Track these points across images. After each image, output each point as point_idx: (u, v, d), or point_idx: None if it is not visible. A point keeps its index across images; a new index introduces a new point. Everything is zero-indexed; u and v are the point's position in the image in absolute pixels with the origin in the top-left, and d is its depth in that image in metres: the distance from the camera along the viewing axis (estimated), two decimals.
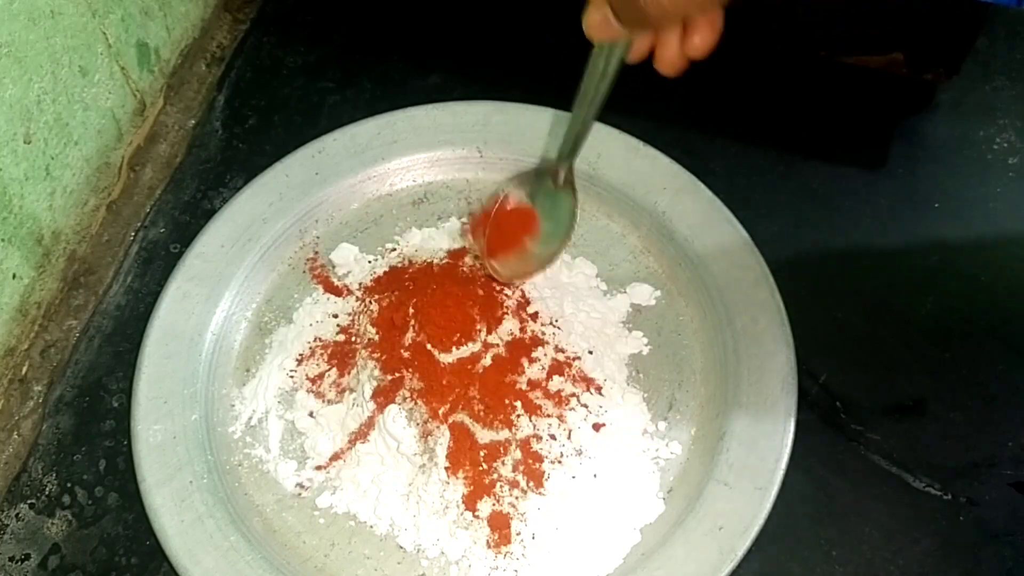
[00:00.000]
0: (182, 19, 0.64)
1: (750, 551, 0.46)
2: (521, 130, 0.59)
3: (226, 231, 0.56)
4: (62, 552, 0.50)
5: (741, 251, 0.53)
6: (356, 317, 0.54)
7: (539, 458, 0.49)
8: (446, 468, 0.48)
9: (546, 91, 0.59)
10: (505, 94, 0.60)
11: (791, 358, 0.50)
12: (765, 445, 0.47)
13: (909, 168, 0.60)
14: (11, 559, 0.50)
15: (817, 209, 0.58)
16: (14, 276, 0.52)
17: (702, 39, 0.40)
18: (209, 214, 0.58)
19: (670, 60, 0.41)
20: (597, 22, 0.39)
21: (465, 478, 0.48)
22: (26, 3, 0.49)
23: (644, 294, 0.55)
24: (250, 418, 0.52)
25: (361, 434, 0.50)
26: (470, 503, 0.48)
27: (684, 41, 0.41)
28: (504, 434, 0.49)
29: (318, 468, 0.50)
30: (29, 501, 0.51)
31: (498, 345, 0.51)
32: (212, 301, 0.54)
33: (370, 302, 0.54)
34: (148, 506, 0.48)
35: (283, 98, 0.65)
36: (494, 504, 0.48)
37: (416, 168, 0.60)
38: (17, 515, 0.51)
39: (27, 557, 0.50)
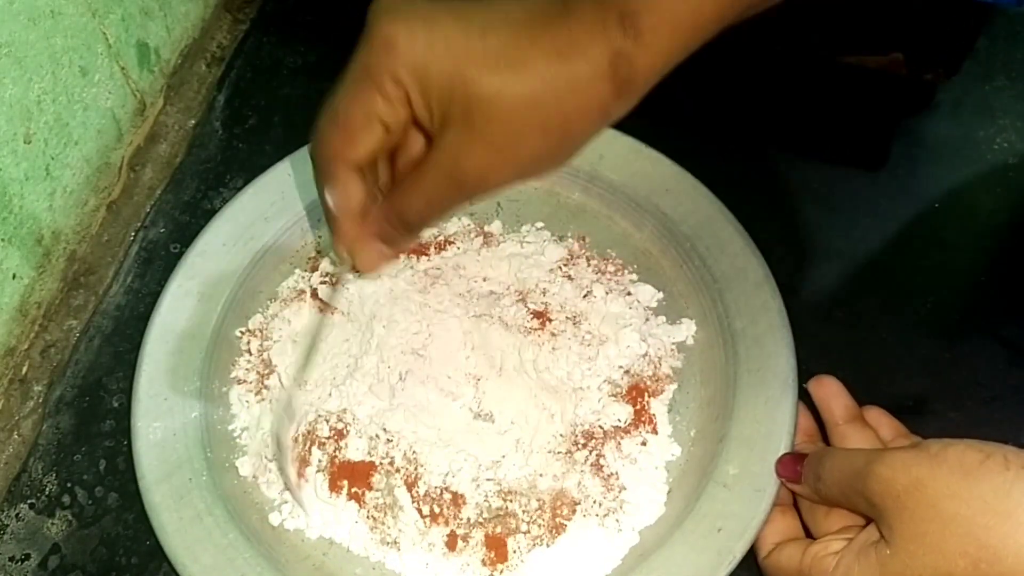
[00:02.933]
0: (182, 19, 0.64)
1: (749, 553, 0.45)
2: None
3: (228, 229, 0.56)
4: (62, 552, 0.50)
5: (742, 253, 0.53)
6: None
7: None
8: (418, 511, 0.48)
9: None
10: None
11: (792, 360, 0.49)
12: (765, 447, 0.47)
13: (909, 168, 0.60)
14: (11, 559, 0.50)
15: (817, 209, 0.58)
16: (14, 276, 0.52)
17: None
18: (209, 214, 0.58)
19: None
20: (373, 258, 0.41)
21: (445, 523, 0.48)
22: (26, 3, 0.49)
23: (647, 295, 0.55)
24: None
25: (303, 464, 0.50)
26: (453, 542, 0.48)
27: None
28: None
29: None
30: (29, 501, 0.51)
31: None
32: (213, 299, 0.54)
33: None
34: (147, 503, 0.48)
35: (283, 98, 0.65)
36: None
37: None
38: (17, 515, 0.51)
39: (27, 557, 0.50)
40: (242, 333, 0.55)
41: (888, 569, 0.38)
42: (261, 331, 0.55)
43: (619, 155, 0.57)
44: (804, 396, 0.49)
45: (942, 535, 0.36)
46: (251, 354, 0.54)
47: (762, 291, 0.52)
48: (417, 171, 0.37)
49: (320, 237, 0.58)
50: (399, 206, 0.39)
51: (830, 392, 0.48)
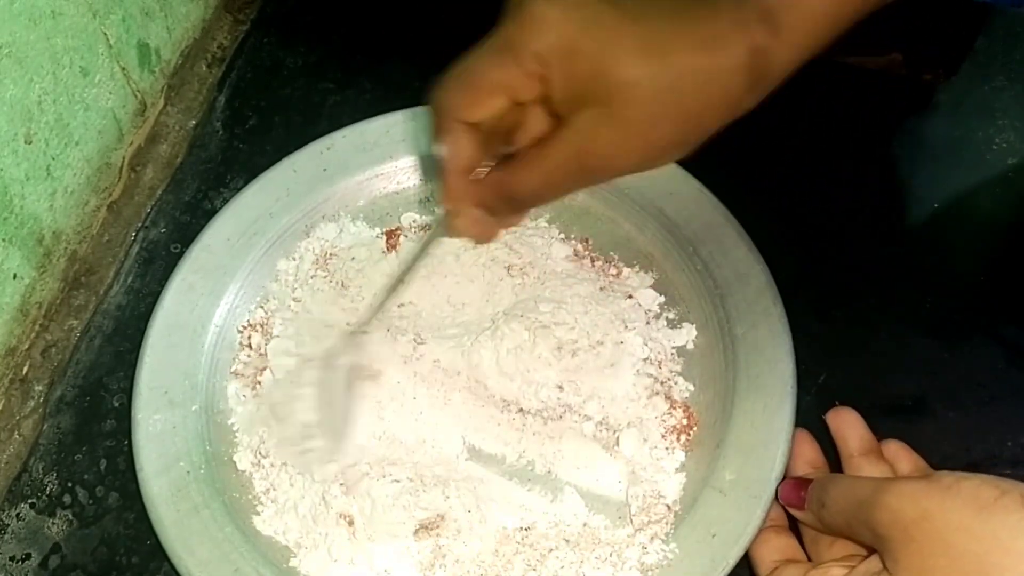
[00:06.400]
0: (183, 20, 0.64)
1: (743, 559, 0.45)
2: None
3: (233, 225, 0.56)
4: (63, 552, 0.50)
5: (745, 258, 0.53)
6: None
7: None
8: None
9: None
10: None
11: (791, 367, 0.49)
12: (762, 454, 0.47)
13: (909, 168, 0.60)
14: (12, 559, 0.50)
15: (817, 209, 0.58)
16: (15, 276, 0.52)
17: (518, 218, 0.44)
18: (210, 214, 0.58)
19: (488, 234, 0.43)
20: (470, 224, 0.40)
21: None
22: (27, 3, 0.49)
23: (648, 299, 0.55)
24: None
25: None
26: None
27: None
28: None
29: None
30: (30, 501, 0.51)
31: None
32: (216, 294, 0.55)
33: None
34: (145, 495, 0.48)
35: (284, 99, 0.65)
36: None
37: (424, 166, 0.59)
38: (18, 515, 0.51)
39: (28, 557, 0.50)
40: (244, 327, 0.55)
41: None
42: (262, 326, 0.55)
43: None
44: (816, 429, 0.49)
45: (950, 570, 0.35)
46: (251, 348, 0.54)
47: (763, 297, 0.51)
48: (539, 147, 0.37)
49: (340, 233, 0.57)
50: (514, 178, 0.38)
51: (847, 423, 0.47)
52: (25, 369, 0.54)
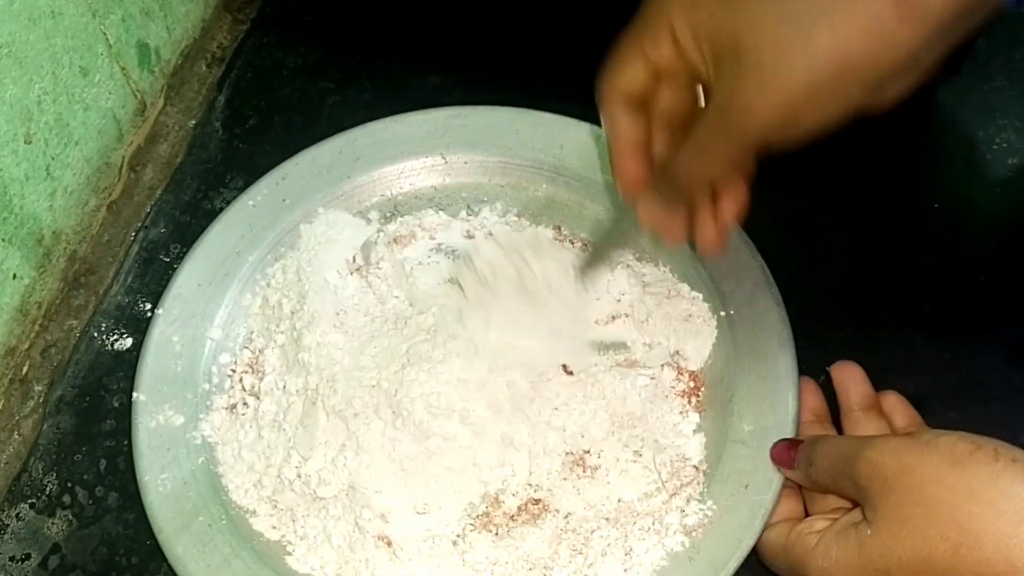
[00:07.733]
0: (182, 19, 0.64)
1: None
2: (481, 131, 0.59)
3: (202, 269, 0.55)
4: (62, 552, 0.50)
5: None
6: None
7: None
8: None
9: (546, 90, 0.59)
10: (504, 95, 0.60)
11: (782, 314, 0.50)
12: (774, 400, 0.48)
13: (909, 168, 0.60)
14: (11, 559, 0.50)
15: (817, 210, 0.58)
16: (14, 276, 0.52)
17: (730, 206, 0.41)
18: (209, 214, 0.58)
19: (709, 235, 0.42)
20: (644, 211, 0.41)
21: None
22: (26, 3, 0.49)
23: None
24: None
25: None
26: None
27: (716, 212, 0.42)
28: None
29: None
30: (29, 501, 0.51)
31: None
32: (198, 342, 0.53)
33: None
34: (170, 556, 0.46)
35: (283, 99, 0.65)
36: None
37: (383, 181, 0.59)
38: (17, 515, 0.51)
39: (27, 557, 0.50)
40: (233, 371, 0.53)
41: (867, 549, 0.38)
42: (252, 367, 0.53)
43: (581, 142, 0.57)
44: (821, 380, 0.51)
45: (925, 519, 0.37)
46: (245, 391, 0.52)
47: (741, 253, 0.53)
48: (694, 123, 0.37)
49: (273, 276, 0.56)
50: (673, 157, 0.38)
51: (849, 377, 0.49)
52: (25, 369, 0.54)
